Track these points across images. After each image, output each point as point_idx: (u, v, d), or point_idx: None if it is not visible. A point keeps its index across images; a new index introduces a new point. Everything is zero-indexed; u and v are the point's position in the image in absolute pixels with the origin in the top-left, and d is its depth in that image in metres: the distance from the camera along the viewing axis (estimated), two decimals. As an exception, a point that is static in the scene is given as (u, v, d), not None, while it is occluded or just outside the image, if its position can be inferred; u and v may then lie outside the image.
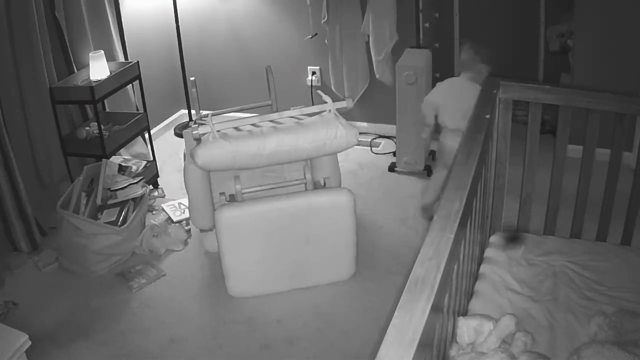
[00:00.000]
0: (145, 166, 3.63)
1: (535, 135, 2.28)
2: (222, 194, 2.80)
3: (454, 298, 1.67)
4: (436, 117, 3.08)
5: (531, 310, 1.89)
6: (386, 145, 4.15)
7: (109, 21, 3.63)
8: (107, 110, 3.70)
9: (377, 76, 3.94)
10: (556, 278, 2.04)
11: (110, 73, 3.36)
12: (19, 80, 3.13)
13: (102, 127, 3.32)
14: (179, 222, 3.35)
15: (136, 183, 3.26)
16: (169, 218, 3.37)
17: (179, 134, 4.33)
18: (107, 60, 3.39)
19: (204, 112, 3.47)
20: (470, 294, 2.01)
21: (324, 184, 2.82)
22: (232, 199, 2.74)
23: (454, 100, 2.95)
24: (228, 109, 3.62)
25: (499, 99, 2.22)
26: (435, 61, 3.85)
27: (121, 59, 3.75)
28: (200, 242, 3.20)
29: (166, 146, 4.34)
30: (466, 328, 1.76)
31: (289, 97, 4.03)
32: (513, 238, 2.29)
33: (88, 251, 2.95)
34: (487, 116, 2.03)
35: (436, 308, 1.22)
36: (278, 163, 2.62)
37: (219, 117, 3.72)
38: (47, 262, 3.10)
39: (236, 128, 2.60)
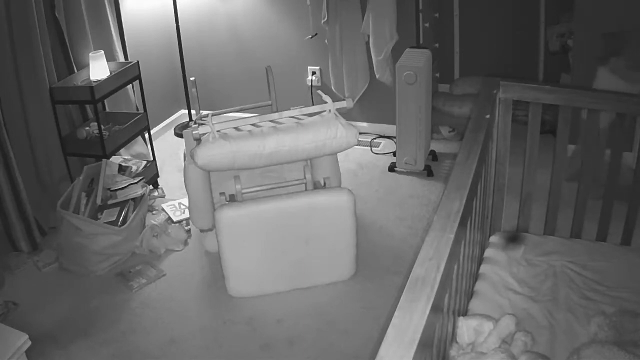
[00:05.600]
0: (145, 166, 3.63)
1: (535, 135, 2.28)
2: (222, 194, 2.80)
3: (454, 298, 1.66)
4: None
5: (531, 310, 1.89)
6: (386, 145, 4.15)
7: (109, 21, 3.63)
8: (107, 110, 3.70)
9: (377, 76, 3.94)
10: (556, 278, 2.04)
11: (110, 73, 3.35)
12: (19, 80, 3.13)
13: (102, 127, 3.32)
14: (179, 222, 3.35)
15: (136, 183, 3.26)
16: (169, 218, 3.37)
17: (179, 134, 4.33)
18: (107, 60, 3.39)
19: (204, 112, 3.46)
20: (470, 294, 2.01)
21: (324, 184, 2.82)
22: (232, 199, 2.74)
23: None
24: (228, 109, 3.61)
25: (499, 99, 2.22)
26: (435, 61, 3.84)
27: (121, 59, 3.75)
28: (200, 242, 3.19)
29: (166, 146, 4.34)
30: (466, 328, 1.76)
31: (289, 97, 4.03)
32: (513, 238, 2.28)
33: (88, 251, 2.95)
34: (487, 116, 2.03)
35: (436, 308, 1.22)
36: (278, 163, 2.62)
37: (219, 117, 3.73)
38: (47, 262, 3.10)
39: (236, 128, 2.60)
